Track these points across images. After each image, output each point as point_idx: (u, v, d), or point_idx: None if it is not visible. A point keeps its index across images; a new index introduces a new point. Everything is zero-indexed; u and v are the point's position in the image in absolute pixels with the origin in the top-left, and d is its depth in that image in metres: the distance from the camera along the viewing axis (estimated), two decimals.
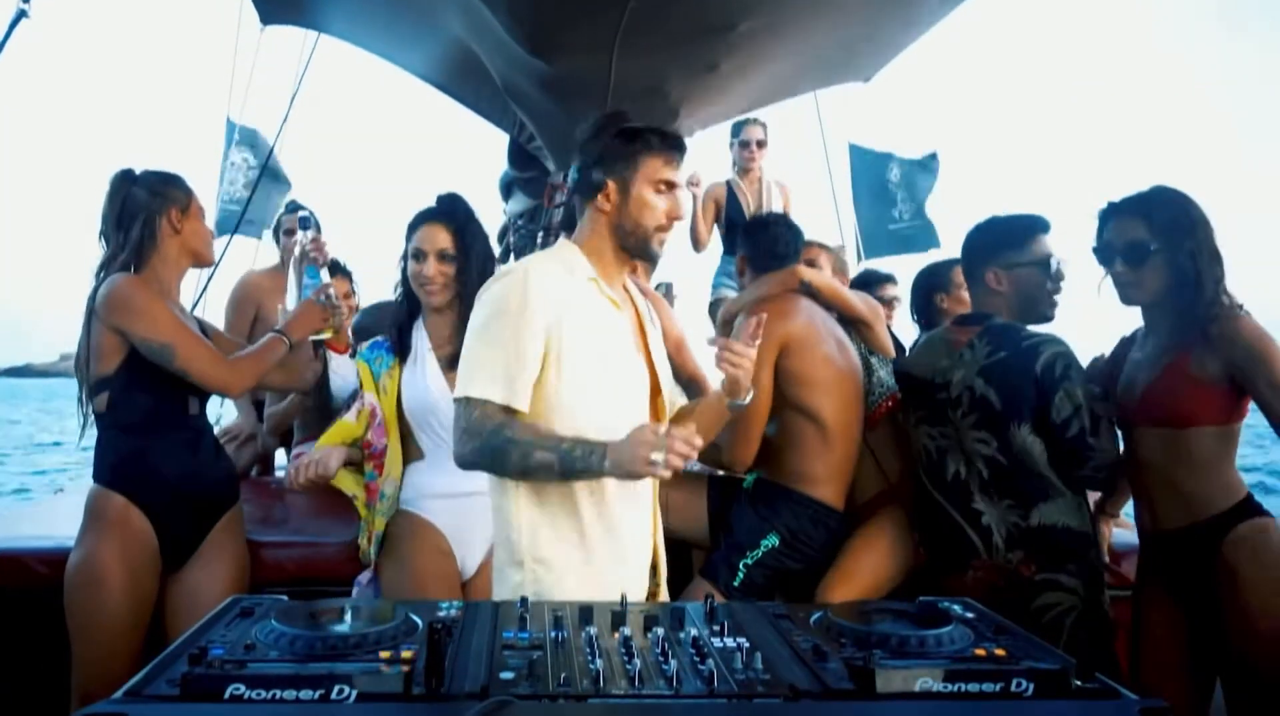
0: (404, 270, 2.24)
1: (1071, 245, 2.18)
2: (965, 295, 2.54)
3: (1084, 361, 2.15)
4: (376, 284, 3.37)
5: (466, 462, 1.60)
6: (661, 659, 1.12)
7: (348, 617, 1.19)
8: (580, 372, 1.61)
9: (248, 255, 4.78)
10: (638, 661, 1.10)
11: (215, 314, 3.35)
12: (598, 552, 1.64)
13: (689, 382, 2.36)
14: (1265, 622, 1.83)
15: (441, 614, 1.28)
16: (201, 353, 2.12)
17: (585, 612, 1.28)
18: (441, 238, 2.17)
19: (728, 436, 2.29)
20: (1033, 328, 2.15)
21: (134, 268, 2.15)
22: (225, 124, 5.11)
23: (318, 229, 2.61)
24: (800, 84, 3.80)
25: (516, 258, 4.18)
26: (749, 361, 1.69)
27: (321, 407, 2.88)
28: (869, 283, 3.42)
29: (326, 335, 2.36)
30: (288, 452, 3.85)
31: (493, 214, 4.22)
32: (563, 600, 1.43)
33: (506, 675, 1.05)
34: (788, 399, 2.32)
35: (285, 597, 1.35)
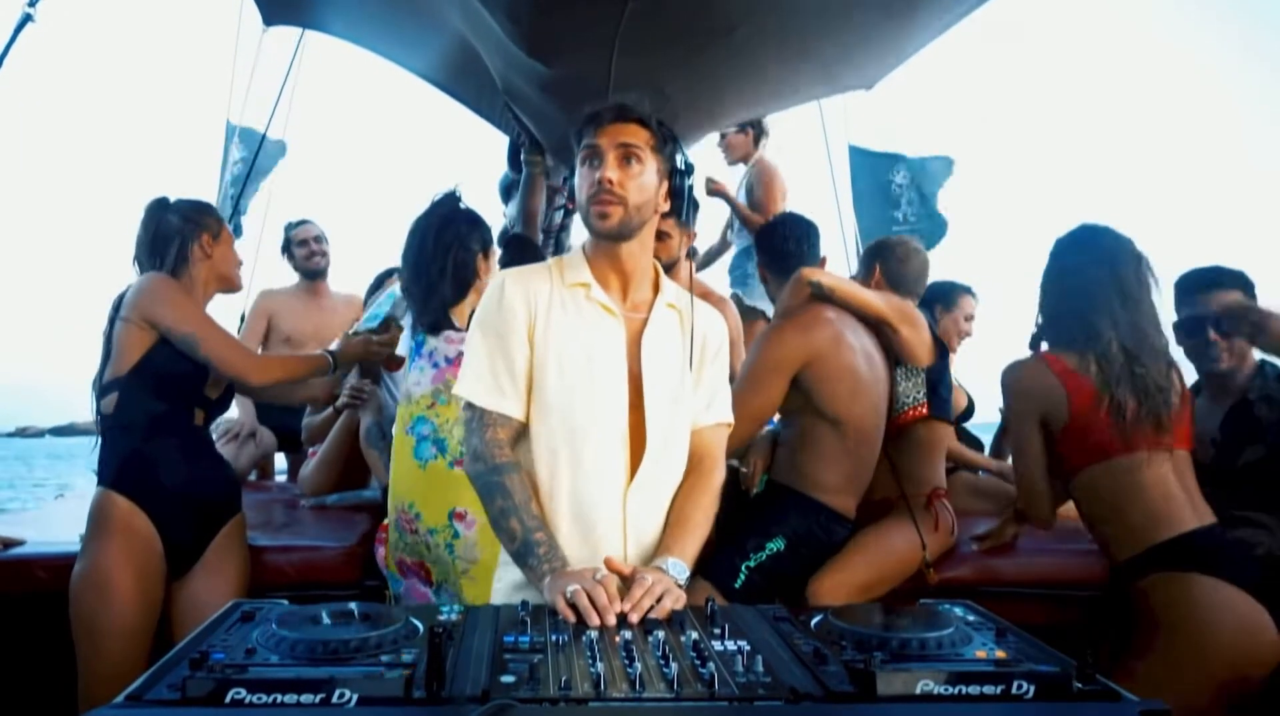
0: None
1: None
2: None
3: None
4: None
5: (470, 478, 1.59)
6: (662, 662, 1.12)
7: (348, 622, 1.19)
8: (557, 379, 1.56)
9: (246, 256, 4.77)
10: (638, 664, 1.10)
11: (222, 319, 3.35)
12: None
13: None
14: None
15: (442, 617, 1.29)
16: (225, 342, 2.23)
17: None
18: None
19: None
20: None
21: None
22: (225, 127, 5.11)
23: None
24: (802, 91, 3.77)
25: None
26: None
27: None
28: None
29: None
30: (288, 455, 3.85)
31: (493, 216, 4.22)
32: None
33: (507, 678, 1.05)
34: (811, 404, 2.30)
35: (286, 602, 1.35)
